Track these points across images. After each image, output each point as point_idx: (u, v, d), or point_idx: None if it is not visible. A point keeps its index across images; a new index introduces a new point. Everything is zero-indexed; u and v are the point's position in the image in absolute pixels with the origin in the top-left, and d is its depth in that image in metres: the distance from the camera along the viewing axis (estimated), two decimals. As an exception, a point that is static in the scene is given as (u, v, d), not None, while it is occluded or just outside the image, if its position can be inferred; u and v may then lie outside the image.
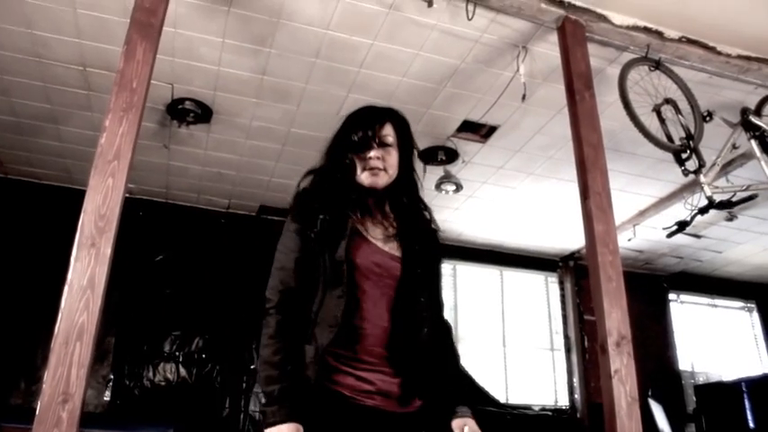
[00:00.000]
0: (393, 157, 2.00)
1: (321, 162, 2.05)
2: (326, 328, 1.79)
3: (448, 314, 7.62)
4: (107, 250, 2.83)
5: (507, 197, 6.63)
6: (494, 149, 5.73)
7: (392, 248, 1.96)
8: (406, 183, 2.05)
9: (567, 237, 7.60)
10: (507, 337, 7.80)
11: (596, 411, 7.31)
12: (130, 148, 2.98)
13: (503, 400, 7.31)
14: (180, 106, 5.14)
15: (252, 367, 6.64)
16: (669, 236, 4.38)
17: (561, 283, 8.19)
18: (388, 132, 2.01)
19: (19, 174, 6.42)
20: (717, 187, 3.99)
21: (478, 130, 5.47)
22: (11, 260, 6.26)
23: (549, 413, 7.35)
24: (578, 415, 7.56)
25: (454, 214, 7.08)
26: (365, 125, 1.99)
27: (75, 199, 6.45)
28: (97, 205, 2.83)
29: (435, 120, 5.30)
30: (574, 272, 8.12)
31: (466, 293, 7.84)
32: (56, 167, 6.25)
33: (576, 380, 7.71)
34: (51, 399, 2.53)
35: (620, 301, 3.30)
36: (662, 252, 7.79)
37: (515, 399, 7.48)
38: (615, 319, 3.27)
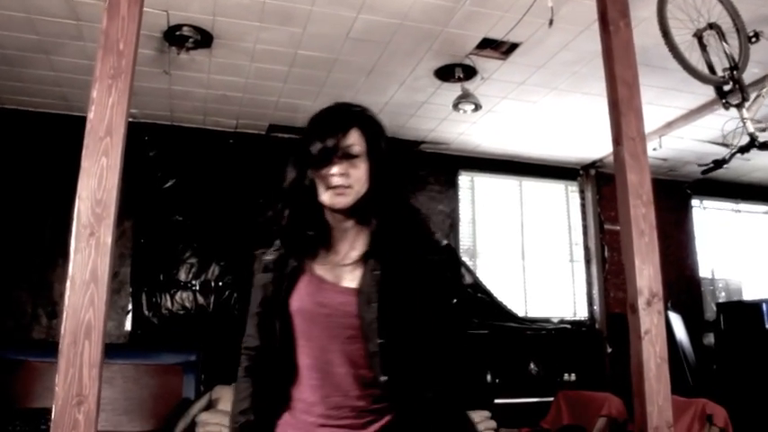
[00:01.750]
0: (360, 170, 1.67)
1: (283, 182, 1.76)
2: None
3: (466, 228, 7.44)
4: (107, 239, 2.62)
5: (528, 111, 6.34)
6: (515, 66, 5.40)
7: (349, 280, 1.67)
8: (379, 197, 1.69)
9: (589, 145, 7.33)
10: (526, 249, 7.71)
11: (615, 322, 7.31)
12: (123, 121, 2.71)
13: (521, 314, 7.31)
14: (177, 33, 4.81)
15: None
16: (704, 173, 4.13)
17: (582, 192, 7.99)
18: (354, 141, 1.68)
19: (15, 103, 6.16)
20: (760, 122, 3.70)
21: (499, 48, 5.12)
22: (14, 191, 6.13)
23: (568, 326, 7.34)
24: (597, 326, 7.56)
25: (472, 128, 6.81)
26: (324, 135, 1.67)
27: (75, 125, 6.25)
28: (92, 190, 2.59)
29: (453, 38, 4.96)
30: (595, 180, 7.91)
31: (484, 206, 7.70)
32: (52, 96, 5.98)
33: (595, 291, 7.67)
34: (66, 402, 2.41)
35: (652, 257, 3.10)
36: (687, 160, 7.53)
37: (534, 312, 7.47)
38: (647, 276, 3.08)
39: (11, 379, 5.53)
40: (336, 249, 1.73)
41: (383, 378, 1.59)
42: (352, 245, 1.72)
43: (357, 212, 1.70)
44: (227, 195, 6.70)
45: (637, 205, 3.21)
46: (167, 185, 6.57)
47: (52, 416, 2.41)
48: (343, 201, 1.67)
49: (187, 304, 6.39)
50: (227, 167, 6.80)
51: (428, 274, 1.66)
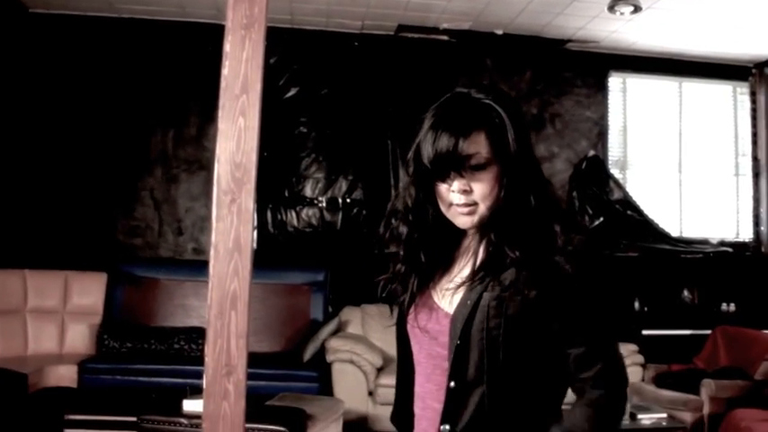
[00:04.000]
0: (486, 184, 1.47)
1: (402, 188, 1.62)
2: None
3: (615, 136, 7.22)
4: (249, 204, 2.68)
5: (692, 5, 5.87)
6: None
7: (450, 303, 1.53)
8: (510, 209, 1.48)
9: (765, 38, 6.76)
10: (684, 161, 7.39)
11: (786, 246, 6.94)
12: (259, 77, 2.69)
13: (675, 235, 7.08)
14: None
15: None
16: None
17: (753, 94, 7.44)
18: (478, 149, 1.46)
19: (131, 12, 6.34)
20: None
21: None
22: (136, 104, 6.41)
23: (729, 249, 7.03)
24: (763, 249, 7.21)
25: (627, 26, 6.41)
26: (438, 140, 1.46)
27: (191, 32, 6.36)
28: (231, 153, 2.63)
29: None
30: (770, 80, 7.34)
31: (637, 112, 7.37)
32: (169, 3, 6.10)
33: (763, 210, 7.27)
34: (216, 372, 2.56)
35: None
36: None
37: (690, 233, 7.22)
38: None
39: (141, 297, 5.97)
40: (453, 266, 1.60)
41: (443, 428, 1.49)
42: (468, 261, 1.56)
43: (486, 227, 1.53)
44: (353, 104, 6.71)
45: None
46: (289, 95, 6.64)
47: (204, 386, 2.60)
48: (467, 221, 1.50)
49: (314, 221, 6.58)
50: (353, 73, 6.77)
51: (549, 286, 1.43)
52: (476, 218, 1.49)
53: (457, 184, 1.47)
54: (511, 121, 1.49)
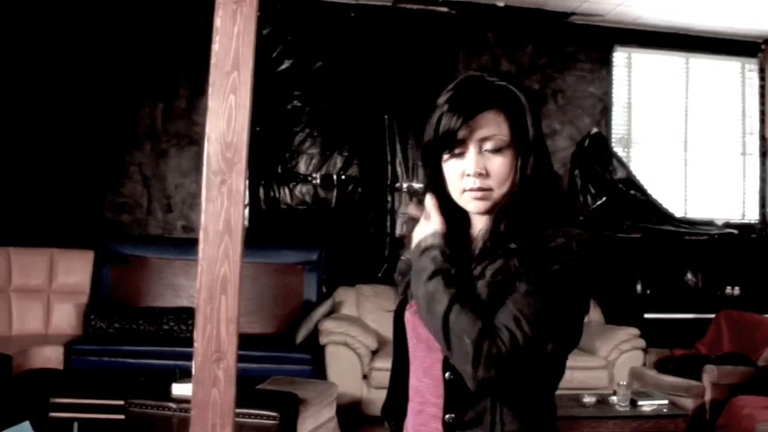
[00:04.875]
0: (503, 166, 1.43)
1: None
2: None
3: (619, 113, 7.23)
4: (239, 185, 2.65)
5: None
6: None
7: None
8: (523, 199, 1.44)
9: (775, 12, 6.71)
10: (690, 139, 7.39)
11: (793, 228, 6.93)
12: (251, 53, 2.67)
13: (679, 215, 7.08)
14: None
15: (396, 185, 6.67)
16: None
17: (762, 71, 7.41)
18: (493, 130, 1.43)
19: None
20: None
21: None
22: (120, 75, 6.35)
23: (735, 230, 7.03)
24: (769, 231, 7.22)
25: (632, -2, 6.36)
26: (454, 119, 1.42)
27: (181, 1, 6.17)
28: (221, 132, 2.61)
29: None
30: (780, 57, 7.30)
31: (642, 88, 7.35)
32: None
33: (770, 190, 7.27)
34: (205, 359, 2.55)
35: None
36: None
37: (695, 213, 7.24)
38: None
39: (129, 276, 5.95)
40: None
41: (448, 418, 1.46)
42: (468, 249, 1.53)
43: (499, 216, 1.48)
44: (349, 77, 6.66)
45: None
46: (282, 68, 6.59)
47: (192, 372, 2.59)
48: (481, 206, 1.46)
49: (307, 199, 6.56)
50: (349, 45, 6.71)
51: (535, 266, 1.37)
52: (488, 203, 1.45)
53: (473, 166, 1.43)
54: (530, 106, 1.46)
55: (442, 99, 1.47)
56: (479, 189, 1.43)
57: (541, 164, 1.47)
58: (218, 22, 2.61)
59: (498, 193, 1.45)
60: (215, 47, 2.59)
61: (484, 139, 1.43)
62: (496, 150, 1.43)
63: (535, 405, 1.47)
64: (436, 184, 1.51)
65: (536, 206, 1.44)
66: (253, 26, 2.60)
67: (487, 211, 1.48)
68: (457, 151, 1.45)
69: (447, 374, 1.45)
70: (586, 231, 1.43)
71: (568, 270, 1.38)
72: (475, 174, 1.43)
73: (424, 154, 1.52)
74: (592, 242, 1.42)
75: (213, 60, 2.62)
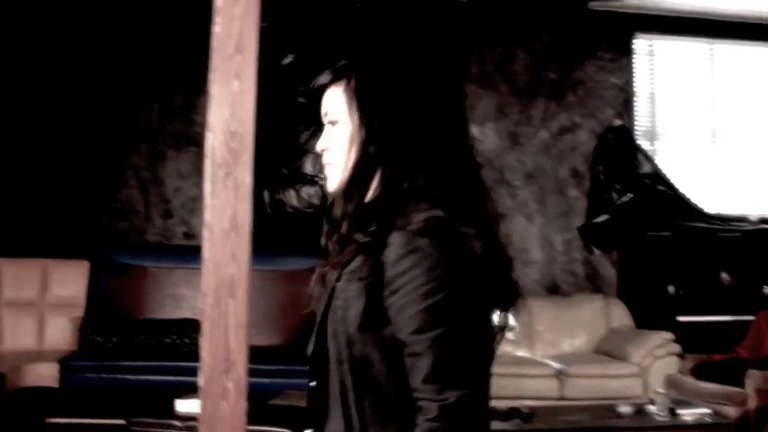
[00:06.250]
0: (336, 139, 1.51)
1: None
2: None
3: (643, 104, 7.06)
4: (246, 178, 2.50)
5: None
6: None
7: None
8: (358, 180, 1.48)
9: (807, -6, 6.64)
10: (719, 131, 7.34)
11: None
12: (255, 35, 2.52)
13: (712, 212, 6.99)
14: None
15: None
16: None
17: (795, 56, 7.33)
18: (333, 103, 1.53)
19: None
20: None
21: None
22: (115, 73, 6.26)
23: (771, 227, 6.94)
24: (809, 226, 7.11)
25: (655, -19, 6.27)
26: (308, 94, 1.53)
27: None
28: (225, 120, 2.45)
29: None
30: (814, 41, 7.23)
31: (665, 77, 7.29)
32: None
33: (808, 182, 7.17)
34: (213, 369, 2.39)
35: None
36: None
37: (728, 209, 7.14)
38: None
39: (127, 287, 5.87)
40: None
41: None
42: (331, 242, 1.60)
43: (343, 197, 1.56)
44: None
45: None
46: (286, 62, 6.50)
47: (200, 384, 2.48)
48: (328, 184, 1.54)
49: (315, 201, 6.45)
50: (355, 38, 6.61)
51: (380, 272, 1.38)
52: (334, 182, 1.51)
53: (321, 140, 1.54)
54: (368, 78, 1.53)
55: None
56: (324, 165, 1.53)
57: (378, 136, 1.46)
58: (219, 1, 2.48)
59: (337, 168, 1.49)
60: (216, 29, 2.46)
61: (325, 114, 1.55)
62: (332, 123, 1.52)
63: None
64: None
65: (367, 187, 1.46)
66: (257, 6, 2.46)
67: (335, 192, 1.53)
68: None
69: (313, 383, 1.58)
70: (438, 214, 1.38)
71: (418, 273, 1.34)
72: (320, 149, 1.54)
73: None
74: (440, 227, 1.36)
75: (214, 44, 2.48)
